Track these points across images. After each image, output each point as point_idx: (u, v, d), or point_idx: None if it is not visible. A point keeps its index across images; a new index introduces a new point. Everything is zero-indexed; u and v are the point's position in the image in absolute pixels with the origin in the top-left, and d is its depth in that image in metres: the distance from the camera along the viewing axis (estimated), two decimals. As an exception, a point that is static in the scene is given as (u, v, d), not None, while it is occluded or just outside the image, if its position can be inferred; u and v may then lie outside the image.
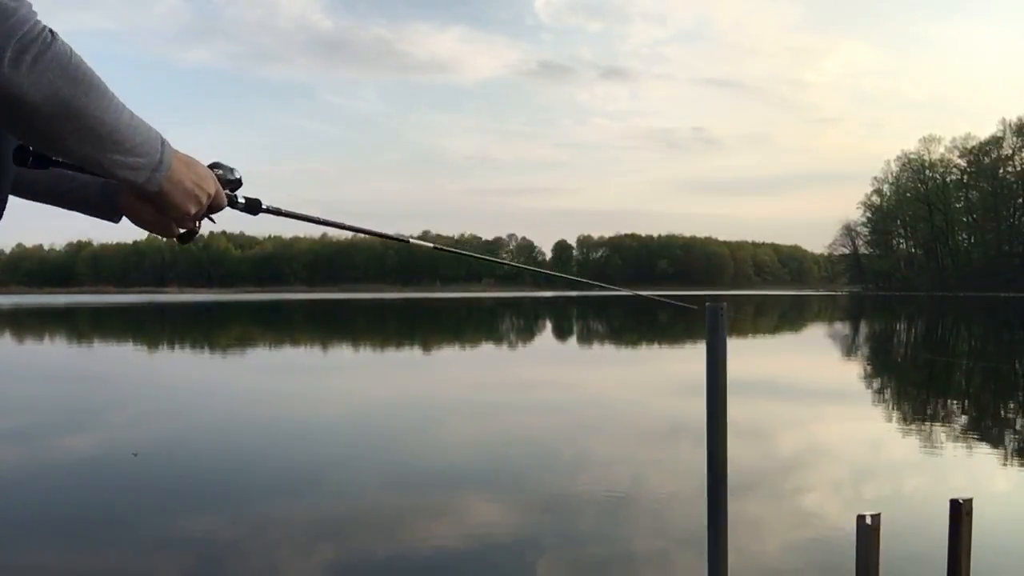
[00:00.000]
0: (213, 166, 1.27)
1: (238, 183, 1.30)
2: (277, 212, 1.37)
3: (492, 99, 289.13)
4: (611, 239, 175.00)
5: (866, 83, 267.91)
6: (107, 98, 1.01)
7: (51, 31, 0.96)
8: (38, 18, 0.95)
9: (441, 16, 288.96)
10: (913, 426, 9.18)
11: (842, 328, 31.76)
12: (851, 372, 15.60)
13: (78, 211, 1.45)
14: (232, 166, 1.29)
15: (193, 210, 1.18)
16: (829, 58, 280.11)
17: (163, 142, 1.11)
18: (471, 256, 2.30)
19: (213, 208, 1.24)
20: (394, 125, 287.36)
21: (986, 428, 9.16)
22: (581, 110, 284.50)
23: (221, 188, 1.24)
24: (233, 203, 1.28)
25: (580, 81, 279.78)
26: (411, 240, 1.75)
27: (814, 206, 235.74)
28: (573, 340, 26.09)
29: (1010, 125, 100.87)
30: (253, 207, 1.33)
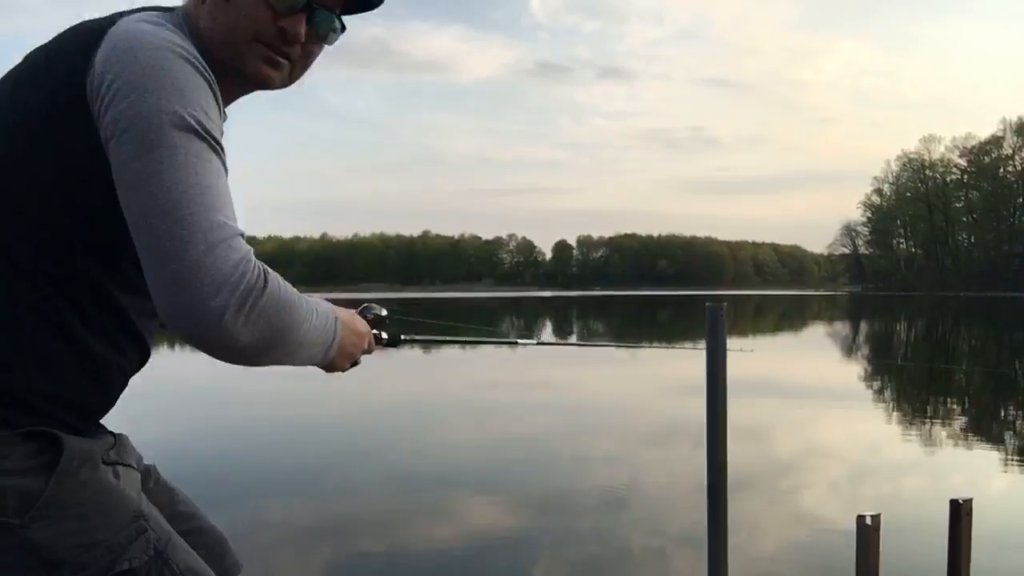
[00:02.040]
0: (364, 310, 1.38)
1: (384, 320, 1.41)
2: (413, 341, 1.53)
3: (490, 99, 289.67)
4: (611, 239, 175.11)
5: (865, 83, 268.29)
6: (302, 313, 1.04)
7: (264, 271, 0.98)
8: (252, 259, 0.97)
9: (438, 16, 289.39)
10: (913, 426, 9.18)
11: (842, 328, 31.75)
12: (851, 372, 15.60)
13: None
14: (379, 306, 1.40)
15: (349, 366, 1.26)
16: (828, 57, 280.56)
17: (336, 320, 1.14)
18: (580, 345, 2.33)
19: (365, 352, 1.32)
20: (393, 125, 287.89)
21: (986, 428, 9.16)
22: (579, 110, 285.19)
23: (372, 336, 1.32)
24: (378, 341, 1.39)
25: (578, 81, 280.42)
26: (519, 342, 1.94)
27: (814, 206, 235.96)
28: (572, 340, 26.07)
29: (1010, 125, 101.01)
30: (395, 342, 1.45)
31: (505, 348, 21.91)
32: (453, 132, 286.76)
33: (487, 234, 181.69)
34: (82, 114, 0.98)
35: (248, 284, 0.94)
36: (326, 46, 1.21)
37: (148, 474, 1.32)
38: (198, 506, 1.41)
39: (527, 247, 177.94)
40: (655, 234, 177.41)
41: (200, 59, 1.02)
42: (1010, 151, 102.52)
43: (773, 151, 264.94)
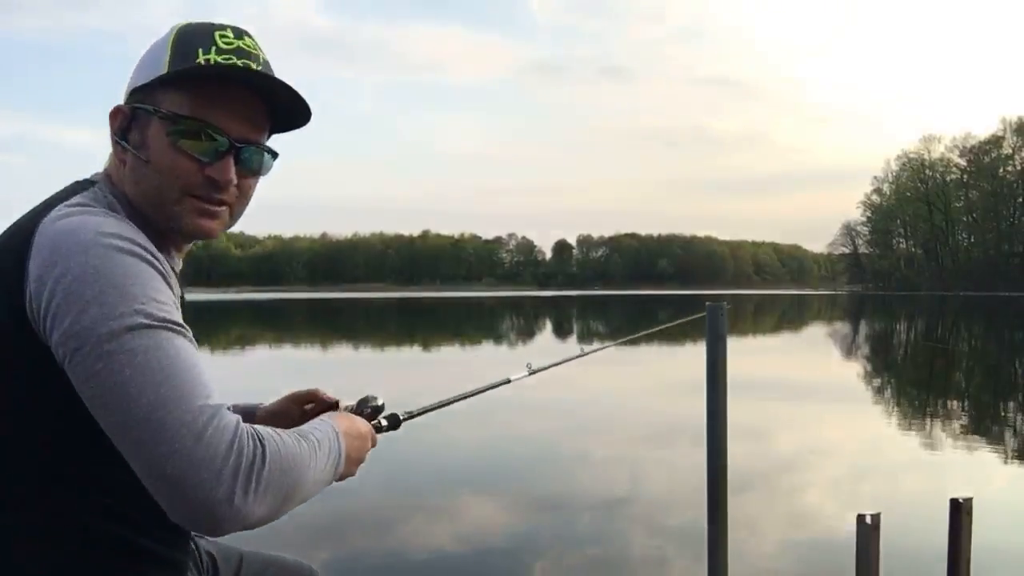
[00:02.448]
0: (362, 403, 1.37)
1: (382, 407, 1.39)
2: (411, 416, 1.50)
3: (490, 99, 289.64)
4: (611, 238, 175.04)
5: (864, 81, 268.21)
6: (306, 459, 1.00)
7: (258, 437, 0.94)
8: (242, 428, 0.93)
9: (437, 16, 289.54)
10: (912, 425, 9.18)
11: (842, 327, 31.76)
12: (851, 371, 15.60)
13: None
14: (376, 395, 1.39)
15: (355, 469, 1.23)
16: (826, 56, 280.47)
17: (337, 438, 1.11)
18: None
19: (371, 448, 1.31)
20: (393, 124, 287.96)
21: (985, 427, 9.16)
22: (579, 109, 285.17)
23: (373, 432, 1.29)
24: (379, 429, 1.37)
25: (577, 80, 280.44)
26: (511, 379, 1.95)
27: (814, 205, 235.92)
28: (572, 339, 26.08)
29: (1010, 124, 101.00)
30: (395, 424, 1.43)
31: (504, 347, 21.93)
32: (453, 132, 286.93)
33: (487, 234, 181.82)
34: (31, 341, 0.95)
35: (247, 460, 0.91)
36: (262, 176, 1.18)
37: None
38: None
39: (527, 247, 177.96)
40: (655, 233, 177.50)
41: (133, 240, 0.97)
42: (1010, 151, 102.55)
43: (773, 150, 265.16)
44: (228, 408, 0.94)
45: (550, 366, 2.03)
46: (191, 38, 1.08)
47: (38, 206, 1.05)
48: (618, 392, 12.08)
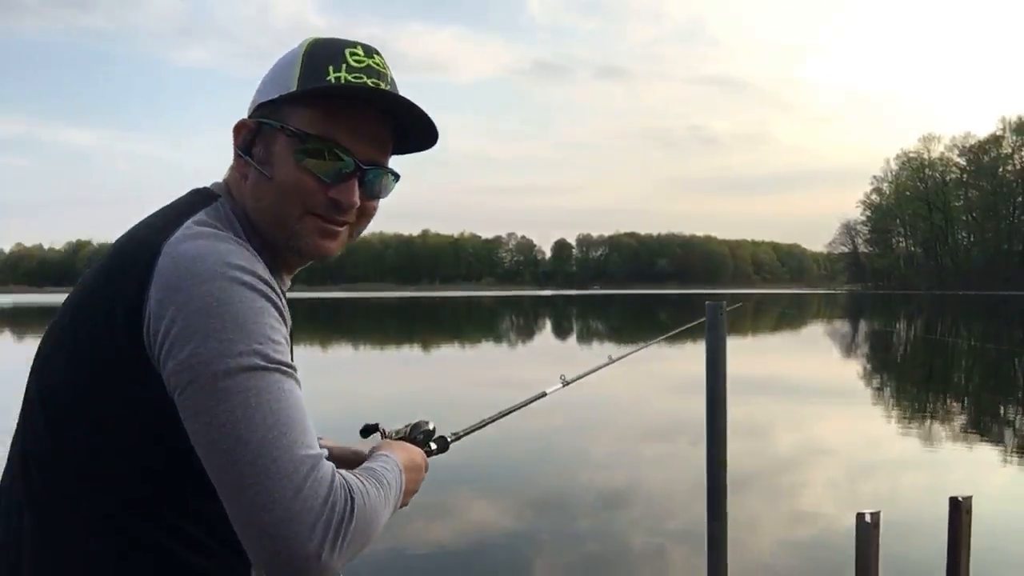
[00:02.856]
0: (414, 428, 1.34)
1: (433, 432, 1.37)
2: (457, 437, 1.48)
3: (488, 99, 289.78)
4: (610, 238, 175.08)
5: (863, 81, 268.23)
6: (383, 508, 1.01)
7: (349, 490, 0.94)
8: (336, 481, 0.93)
9: (435, 16, 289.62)
10: (912, 424, 9.18)
11: (841, 326, 31.77)
12: (850, 370, 15.60)
13: None
14: (427, 420, 1.37)
15: (409, 500, 1.21)
16: (825, 56, 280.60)
17: (400, 474, 1.12)
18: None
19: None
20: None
21: (985, 426, 9.17)
22: (578, 109, 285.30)
23: (426, 459, 1.28)
24: (430, 454, 1.35)
25: (576, 80, 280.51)
26: (547, 392, 1.95)
27: (813, 204, 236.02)
28: (572, 339, 26.09)
29: (1009, 124, 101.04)
30: (444, 447, 1.40)
31: (504, 346, 21.93)
32: (452, 131, 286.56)
33: (486, 233, 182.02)
34: (144, 367, 0.94)
35: (339, 516, 0.91)
36: (382, 199, 1.16)
37: None
38: None
39: (526, 246, 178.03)
40: (654, 233, 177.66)
41: (255, 273, 0.96)
42: (1009, 150, 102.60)
43: (772, 149, 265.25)
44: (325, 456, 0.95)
45: (583, 375, 2.05)
46: (322, 54, 1.06)
47: (158, 218, 1.03)
48: (618, 392, 12.08)
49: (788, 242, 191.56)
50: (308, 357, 18.48)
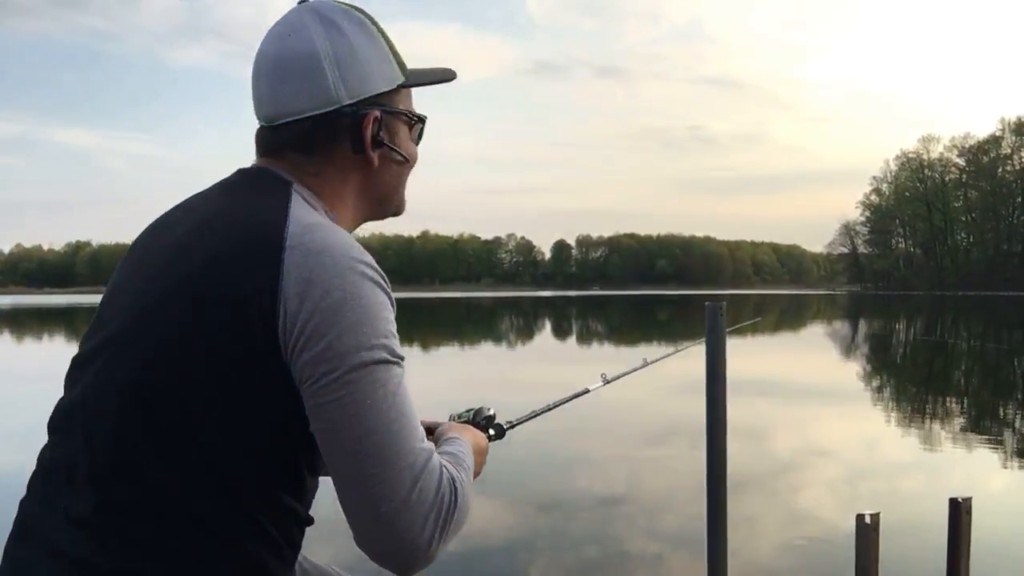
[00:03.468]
0: (477, 413, 1.43)
1: (493, 418, 1.46)
2: (512, 425, 1.58)
3: (488, 98, 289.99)
4: (610, 239, 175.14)
5: (861, 81, 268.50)
6: (472, 495, 1.05)
7: (453, 481, 0.99)
8: (443, 472, 0.98)
9: (433, 15, 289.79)
10: (912, 425, 9.19)
11: (841, 327, 31.78)
12: (850, 371, 15.60)
13: None
14: (488, 406, 1.46)
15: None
16: (824, 56, 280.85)
17: (472, 456, 1.16)
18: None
19: None
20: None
21: (985, 427, 9.16)
22: (577, 109, 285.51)
23: (488, 441, 1.35)
24: (490, 439, 1.41)
25: (575, 80, 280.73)
26: (589, 389, 2.08)
27: (813, 205, 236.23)
28: (572, 339, 26.10)
29: (1009, 124, 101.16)
30: (501, 434, 1.49)
31: (504, 347, 21.94)
32: (451, 131, 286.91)
33: (486, 234, 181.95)
34: (277, 362, 0.96)
35: (448, 507, 0.96)
36: None
37: None
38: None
39: (526, 247, 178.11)
40: (654, 234, 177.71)
41: (374, 266, 1.02)
42: (1009, 151, 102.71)
43: (771, 150, 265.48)
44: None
45: (625, 373, 2.17)
46: (386, 34, 1.15)
47: (255, 206, 1.04)
48: (618, 392, 12.06)
49: (788, 243, 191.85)
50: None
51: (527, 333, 29.23)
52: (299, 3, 1.12)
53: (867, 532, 2.32)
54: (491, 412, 1.43)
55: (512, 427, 1.54)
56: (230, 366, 0.96)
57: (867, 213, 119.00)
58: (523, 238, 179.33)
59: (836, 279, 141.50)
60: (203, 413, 0.96)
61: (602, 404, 10.57)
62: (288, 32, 1.09)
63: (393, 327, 1.00)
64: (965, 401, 11.48)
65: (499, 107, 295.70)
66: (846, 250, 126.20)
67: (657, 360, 2.54)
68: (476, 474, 1.20)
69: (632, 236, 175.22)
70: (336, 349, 0.93)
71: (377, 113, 1.11)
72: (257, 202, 1.04)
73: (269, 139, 1.11)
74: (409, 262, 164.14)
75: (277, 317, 0.94)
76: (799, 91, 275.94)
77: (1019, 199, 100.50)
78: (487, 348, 22.03)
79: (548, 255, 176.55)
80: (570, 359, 18.65)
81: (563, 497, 5.85)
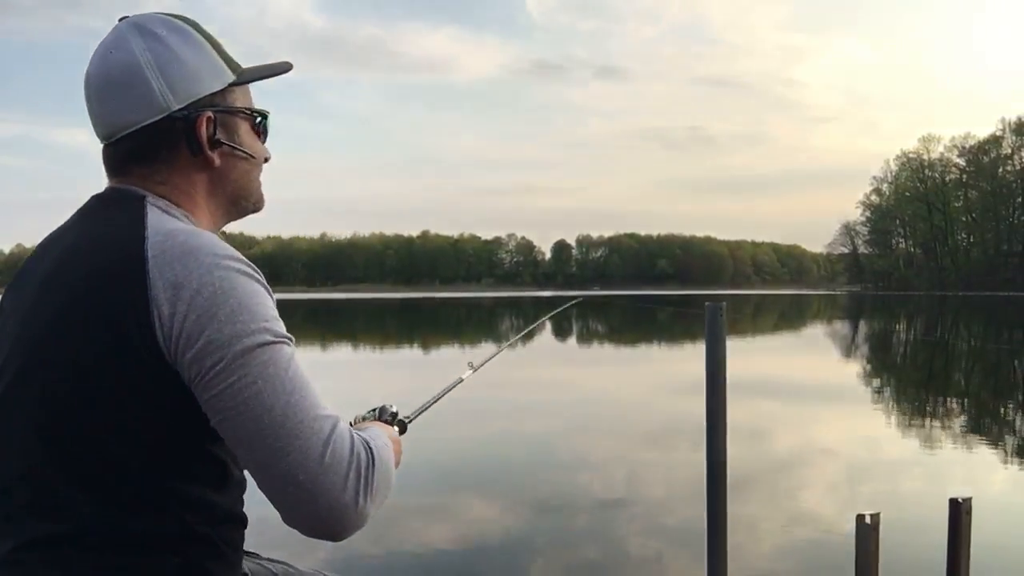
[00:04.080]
0: (381, 411, 1.46)
1: (396, 414, 1.49)
2: (410, 419, 1.61)
3: (487, 98, 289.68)
4: (610, 239, 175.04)
5: (861, 81, 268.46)
6: (390, 460, 1.09)
7: (366, 441, 1.02)
8: (352, 434, 1.01)
9: (432, 15, 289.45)
10: (912, 425, 9.19)
11: (841, 327, 31.78)
12: (850, 371, 15.61)
13: None
14: (391, 404, 1.49)
15: None
16: (823, 56, 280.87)
17: (387, 440, 1.16)
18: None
19: None
20: (391, 124, 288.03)
21: (985, 427, 9.17)
22: (576, 109, 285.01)
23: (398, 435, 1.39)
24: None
25: (575, 80, 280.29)
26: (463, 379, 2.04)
27: (813, 205, 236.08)
28: (572, 340, 26.10)
29: (1009, 124, 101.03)
30: (403, 429, 1.51)
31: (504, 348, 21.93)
32: (451, 132, 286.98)
33: (486, 234, 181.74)
34: (164, 370, 0.97)
35: (366, 464, 0.99)
36: None
37: None
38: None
39: (526, 247, 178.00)
40: (654, 234, 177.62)
41: (241, 259, 1.04)
42: (1009, 151, 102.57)
43: (771, 150, 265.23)
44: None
45: (490, 358, 2.16)
46: (210, 37, 1.15)
47: (111, 225, 1.05)
48: (618, 392, 12.08)
49: (788, 243, 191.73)
50: (308, 358, 18.48)
51: (527, 335, 29.24)
52: (120, 20, 1.13)
53: (867, 532, 2.33)
54: (394, 409, 1.47)
55: (411, 421, 1.60)
56: (121, 385, 0.98)
57: (867, 213, 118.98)
58: (523, 238, 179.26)
59: (836, 279, 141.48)
60: (107, 435, 0.98)
61: (603, 404, 10.60)
62: (110, 49, 1.10)
63: (273, 312, 1.02)
64: (965, 401, 11.48)
65: (499, 107, 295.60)
66: (846, 250, 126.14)
67: (510, 342, 2.63)
68: (396, 464, 1.22)
69: (632, 236, 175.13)
70: (217, 341, 0.95)
71: (210, 113, 1.12)
72: (114, 222, 1.06)
73: (112, 157, 1.12)
74: (409, 262, 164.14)
75: (153, 326, 0.96)
76: (799, 91, 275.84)
77: (1019, 199, 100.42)
78: (488, 348, 22.03)
79: (548, 255, 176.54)
80: (568, 360, 18.62)
81: (563, 497, 5.85)
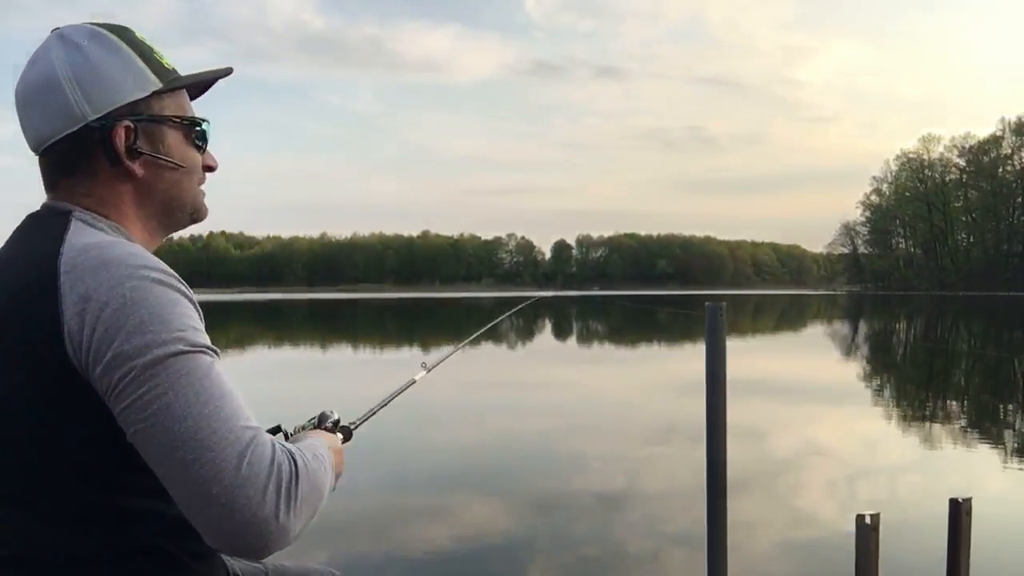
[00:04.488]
0: (321, 419, 1.40)
1: (339, 421, 1.44)
2: (355, 425, 1.55)
3: (487, 99, 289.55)
4: (610, 239, 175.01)
5: (861, 81, 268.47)
6: (323, 474, 1.05)
7: (291, 453, 0.98)
8: (276, 447, 0.96)
9: (432, 15, 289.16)
10: (912, 425, 9.18)
11: (841, 328, 31.77)
12: (850, 371, 15.60)
13: None
14: (332, 411, 1.43)
15: (336, 483, 1.25)
16: (822, 56, 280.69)
17: (328, 450, 1.14)
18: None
19: None
20: (391, 124, 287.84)
21: (985, 427, 9.17)
22: (576, 109, 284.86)
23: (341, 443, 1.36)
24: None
25: (574, 80, 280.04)
26: (415, 380, 1.98)
27: (813, 205, 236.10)
28: (572, 340, 26.10)
29: (1009, 124, 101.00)
30: (348, 435, 1.47)
31: (504, 347, 21.94)
32: (451, 132, 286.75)
33: (486, 234, 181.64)
34: (75, 379, 0.96)
35: (288, 477, 0.94)
36: None
37: None
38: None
39: (526, 247, 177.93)
40: (654, 234, 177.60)
41: (160, 268, 1.00)
42: (1009, 151, 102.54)
43: (771, 150, 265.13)
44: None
45: (442, 360, 2.15)
46: (137, 43, 1.14)
47: (28, 245, 1.05)
48: (618, 392, 12.08)
49: (788, 243, 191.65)
50: (309, 358, 18.46)
51: (528, 335, 29.22)
52: (52, 31, 1.13)
53: (867, 532, 2.33)
54: (336, 416, 1.42)
55: (356, 427, 1.54)
56: (40, 403, 0.97)
57: (867, 213, 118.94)
58: (523, 238, 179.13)
59: (836, 279, 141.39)
60: (33, 455, 0.98)
61: (603, 404, 10.60)
62: (34, 61, 1.10)
63: (192, 320, 0.99)
64: (965, 401, 11.48)
65: (498, 107, 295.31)
66: (846, 250, 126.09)
67: (465, 343, 2.64)
68: (338, 474, 1.21)
69: (632, 236, 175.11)
70: (126, 353, 0.93)
71: (127, 123, 1.09)
72: (37, 239, 1.05)
73: (43, 169, 1.13)
74: (409, 262, 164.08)
75: (63, 342, 0.95)
76: (799, 91, 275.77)
77: (1019, 199, 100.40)
78: (489, 348, 22.05)
79: (548, 255, 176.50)
80: (569, 359, 18.63)
81: (564, 497, 5.85)
